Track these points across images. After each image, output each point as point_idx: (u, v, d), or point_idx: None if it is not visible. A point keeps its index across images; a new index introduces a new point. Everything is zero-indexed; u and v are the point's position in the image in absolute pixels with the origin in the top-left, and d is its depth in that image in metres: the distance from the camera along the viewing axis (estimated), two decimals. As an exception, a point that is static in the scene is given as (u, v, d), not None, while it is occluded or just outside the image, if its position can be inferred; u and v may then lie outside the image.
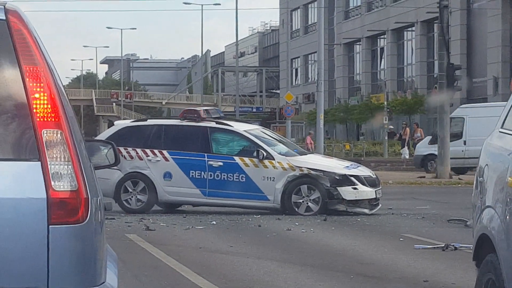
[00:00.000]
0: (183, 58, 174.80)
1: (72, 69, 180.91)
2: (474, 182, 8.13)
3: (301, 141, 60.30)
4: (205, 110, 25.97)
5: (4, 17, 4.58)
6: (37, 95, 4.48)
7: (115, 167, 18.55)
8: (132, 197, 23.64)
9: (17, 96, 4.47)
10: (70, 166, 4.44)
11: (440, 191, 33.15)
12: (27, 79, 4.47)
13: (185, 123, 24.48)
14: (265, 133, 25.24)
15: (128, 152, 23.25)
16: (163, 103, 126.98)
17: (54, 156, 4.43)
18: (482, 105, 51.78)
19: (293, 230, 19.45)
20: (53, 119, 4.47)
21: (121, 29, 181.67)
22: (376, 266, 14.56)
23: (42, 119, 4.45)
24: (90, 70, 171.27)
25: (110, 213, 21.12)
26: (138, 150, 23.64)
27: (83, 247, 4.49)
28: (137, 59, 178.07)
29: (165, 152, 23.70)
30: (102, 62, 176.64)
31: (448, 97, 41.82)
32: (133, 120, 29.81)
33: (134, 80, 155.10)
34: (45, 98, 4.49)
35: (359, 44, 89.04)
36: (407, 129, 56.75)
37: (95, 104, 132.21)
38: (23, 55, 4.51)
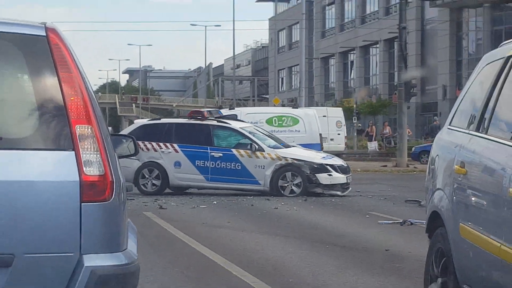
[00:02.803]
0: (190, 69, 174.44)
1: (99, 78, 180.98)
2: (427, 170, 8.14)
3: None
4: (208, 111, 26.08)
5: (44, 34, 4.59)
6: (71, 98, 4.49)
7: (134, 157, 18.59)
8: (148, 182, 23.64)
9: (55, 98, 4.48)
10: (98, 155, 4.46)
11: (399, 177, 33.17)
12: (63, 84, 4.48)
13: (192, 121, 24.53)
14: (257, 130, 25.30)
15: (145, 145, 23.25)
16: (174, 105, 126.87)
17: (85, 147, 4.45)
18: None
19: (279, 209, 19.46)
20: (84, 117, 4.48)
21: (140, 45, 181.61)
22: (347, 237, 14.56)
23: (75, 117, 4.46)
24: (114, 78, 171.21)
25: (130, 194, 21.09)
26: (153, 144, 23.66)
27: (109, 221, 4.51)
28: (153, 70, 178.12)
29: (175, 145, 23.73)
30: (124, 72, 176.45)
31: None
32: (149, 119, 29.81)
33: (150, 87, 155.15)
34: (78, 99, 4.50)
35: (334, 58, 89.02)
36: (374, 127, 56.84)
37: (118, 106, 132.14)
38: (60, 64, 4.52)
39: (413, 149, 43.47)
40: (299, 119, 31.84)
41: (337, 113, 46.57)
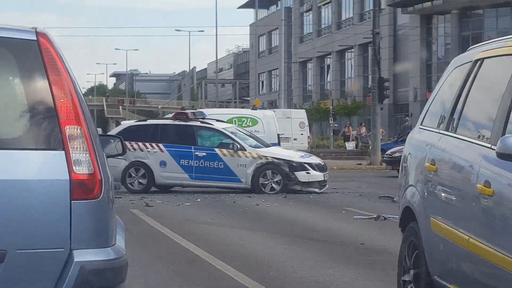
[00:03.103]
0: (174, 72, 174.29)
1: (87, 81, 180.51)
2: (400, 167, 8.17)
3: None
4: (192, 112, 26.03)
5: (35, 38, 4.57)
6: (61, 99, 4.47)
7: (121, 157, 18.61)
8: (135, 180, 23.57)
9: (46, 100, 4.46)
10: (87, 155, 4.44)
11: (373, 175, 33.22)
12: (53, 86, 4.46)
13: (176, 122, 24.51)
14: (238, 130, 25.31)
15: (132, 145, 23.20)
16: (159, 107, 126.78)
17: (75, 146, 4.42)
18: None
19: (260, 205, 19.46)
20: (73, 118, 4.46)
21: (126, 50, 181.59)
22: (324, 232, 14.58)
23: (65, 118, 4.44)
24: (101, 82, 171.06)
25: (118, 193, 21.06)
26: (140, 144, 23.61)
27: (98, 217, 4.49)
28: (139, 73, 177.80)
29: (161, 145, 23.69)
30: (111, 76, 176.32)
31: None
32: (136, 120, 29.76)
33: (137, 89, 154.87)
34: (68, 101, 4.48)
35: (311, 62, 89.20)
36: (350, 127, 57.07)
37: (105, 108, 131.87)
38: (50, 68, 4.50)
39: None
40: (258, 120, 31.99)
41: (301, 114, 46.90)
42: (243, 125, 30.99)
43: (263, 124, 31.55)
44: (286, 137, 38.05)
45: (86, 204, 4.44)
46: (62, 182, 4.40)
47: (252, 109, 37.93)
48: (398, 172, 28.87)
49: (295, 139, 41.31)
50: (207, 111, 31.69)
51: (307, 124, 45.75)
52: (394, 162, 31.68)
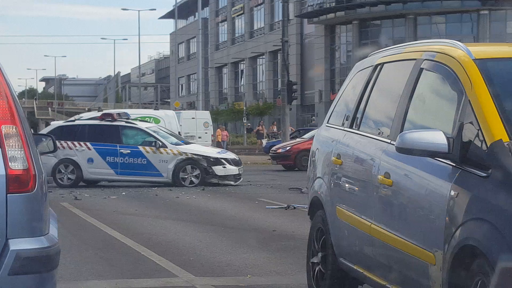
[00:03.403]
0: (100, 77, 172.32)
1: (18, 86, 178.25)
2: (309, 161, 8.23)
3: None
4: (118, 113, 25.80)
5: None
6: None
7: (51, 155, 18.51)
8: (64, 176, 23.30)
9: None
10: (22, 152, 4.38)
11: (283, 169, 33.31)
12: None
13: (103, 122, 24.31)
14: (160, 129, 25.24)
15: (61, 144, 22.86)
16: (86, 109, 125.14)
17: (11, 144, 4.35)
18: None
19: (181, 197, 19.42)
20: (9, 118, 4.38)
21: (55, 56, 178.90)
22: (239, 220, 14.64)
23: (1, 118, 4.37)
24: (32, 86, 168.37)
25: (48, 187, 20.80)
26: (69, 142, 23.35)
27: (32, 209, 4.43)
28: (67, 78, 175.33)
29: (88, 143, 23.48)
30: (40, 80, 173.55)
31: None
32: (64, 121, 29.35)
33: (65, 93, 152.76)
34: (3, 102, 4.40)
35: (226, 67, 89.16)
36: (263, 126, 57.22)
37: (35, 110, 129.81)
38: None
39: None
40: (160, 119, 31.99)
41: (205, 115, 47.10)
42: None
43: (165, 123, 31.47)
44: (192, 136, 38.32)
45: (21, 197, 4.37)
46: None
47: (154, 109, 38.25)
48: (282, 166, 29.10)
49: (199, 137, 41.42)
50: (111, 112, 31.60)
51: (211, 123, 45.81)
52: (278, 157, 32.84)
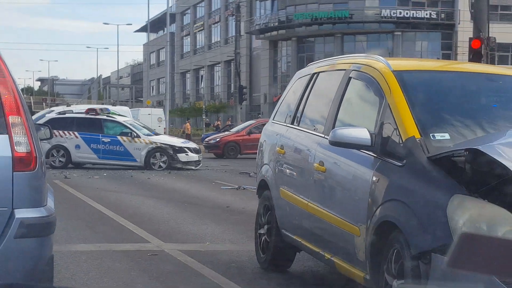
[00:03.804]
0: (85, 78, 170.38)
1: (18, 84, 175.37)
2: (258, 151, 8.21)
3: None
4: (100, 108, 25.58)
5: None
6: (6, 96, 4.35)
7: (46, 141, 18.28)
8: (56, 159, 22.95)
9: None
10: (25, 138, 4.34)
11: (234, 157, 33.22)
12: (2, 92, 4.36)
13: (88, 116, 24.05)
14: (136, 123, 25.05)
15: (54, 132, 22.60)
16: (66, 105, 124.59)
17: (16, 131, 4.32)
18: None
19: (151, 179, 19.25)
20: (15, 110, 4.35)
21: (49, 61, 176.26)
22: (199, 198, 14.54)
23: (8, 110, 4.32)
24: (29, 85, 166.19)
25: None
26: (60, 131, 23.05)
27: (33, 185, 4.43)
28: (58, 79, 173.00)
29: (76, 133, 23.20)
30: (36, 80, 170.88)
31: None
32: (57, 113, 28.84)
33: (56, 91, 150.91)
34: (10, 97, 4.36)
35: (189, 73, 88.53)
36: (220, 121, 56.96)
37: (32, 104, 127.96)
38: None
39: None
40: (116, 113, 31.53)
41: (159, 112, 46.87)
42: None
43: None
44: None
45: (24, 175, 4.34)
46: (7, 158, 4.30)
47: (112, 105, 38.22)
48: (214, 154, 28.61)
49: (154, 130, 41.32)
50: (79, 107, 31.14)
51: (164, 119, 45.36)
52: (209, 147, 32.11)
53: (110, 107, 34.21)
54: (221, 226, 10.41)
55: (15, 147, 4.31)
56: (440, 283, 4.24)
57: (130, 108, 40.25)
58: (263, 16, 61.37)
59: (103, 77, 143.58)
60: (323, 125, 6.35)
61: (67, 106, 32.89)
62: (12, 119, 4.33)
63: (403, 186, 4.82)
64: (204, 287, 6.62)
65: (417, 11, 53.32)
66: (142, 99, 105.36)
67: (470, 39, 16.63)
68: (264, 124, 27.01)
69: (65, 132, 23.33)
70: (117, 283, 6.59)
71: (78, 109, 29.09)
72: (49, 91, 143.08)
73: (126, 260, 7.78)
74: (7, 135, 4.31)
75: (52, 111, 28.23)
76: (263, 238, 7.31)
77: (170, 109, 62.30)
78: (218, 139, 32.38)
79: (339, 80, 6.33)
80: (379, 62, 5.89)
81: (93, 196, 14.39)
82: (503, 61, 49.17)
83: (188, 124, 49.29)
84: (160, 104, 79.76)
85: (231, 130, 34.52)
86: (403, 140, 4.97)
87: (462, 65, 7.96)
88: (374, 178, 5.11)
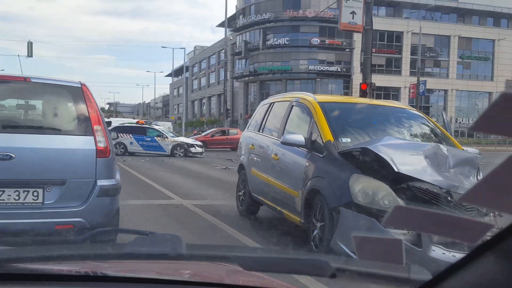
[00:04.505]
0: (135, 103, 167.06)
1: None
2: (238, 148, 8.14)
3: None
4: (144, 121, 25.28)
5: (80, 86, 4.31)
6: (92, 113, 4.23)
7: (115, 140, 18.24)
8: (118, 150, 22.24)
9: (85, 113, 4.22)
10: (103, 138, 4.21)
11: (227, 151, 32.97)
12: (88, 108, 4.23)
13: (137, 125, 23.75)
14: (165, 130, 24.75)
15: (118, 134, 22.30)
16: (132, 119, 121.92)
17: (98, 134, 4.19)
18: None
19: (174, 162, 18.95)
20: (97, 121, 4.22)
21: (114, 93, 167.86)
22: (202, 173, 14.24)
23: (94, 122, 4.21)
24: (102, 107, 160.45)
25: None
26: (121, 134, 22.70)
27: (108, 165, 4.26)
28: (119, 103, 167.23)
29: (130, 135, 22.86)
30: (106, 104, 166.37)
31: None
32: (120, 123, 28.18)
33: (118, 110, 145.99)
34: (95, 114, 4.24)
35: (196, 101, 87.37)
36: (196, 131, 56.36)
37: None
38: (86, 99, 4.25)
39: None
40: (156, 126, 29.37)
41: (168, 124, 39.96)
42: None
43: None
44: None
45: (103, 160, 4.21)
46: (92, 150, 4.18)
47: (158, 121, 36.75)
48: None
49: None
50: (116, 119, 29.67)
51: (172, 129, 40.51)
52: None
53: (157, 122, 33.31)
54: (216, 190, 10.31)
55: (98, 144, 4.20)
56: (343, 224, 4.27)
57: (155, 121, 38.52)
58: (240, 68, 61.13)
59: (146, 102, 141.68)
60: (276, 132, 6.34)
61: (107, 119, 31.36)
62: (95, 127, 4.22)
63: (323, 168, 4.82)
64: (205, 224, 6.55)
65: (329, 67, 53.73)
66: (168, 115, 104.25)
67: (360, 83, 16.73)
68: (220, 131, 26.25)
69: (124, 134, 22.96)
70: (156, 225, 6.50)
71: (114, 120, 28.31)
72: (114, 110, 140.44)
73: (160, 210, 7.66)
74: (93, 137, 4.21)
75: (110, 121, 27.46)
76: (240, 198, 7.26)
77: (185, 122, 61.76)
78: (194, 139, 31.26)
79: (286, 106, 6.33)
80: (309, 96, 5.90)
81: (140, 172, 14.18)
82: (379, 97, 49.63)
83: (195, 131, 48.76)
84: (179, 119, 78.82)
85: (201, 134, 32.66)
86: (323, 142, 4.98)
87: (356, 99, 8.02)
88: (307, 164, 5.11)
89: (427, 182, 4.01)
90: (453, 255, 3.68)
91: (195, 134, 36.91)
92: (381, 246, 0.64)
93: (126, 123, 25.60)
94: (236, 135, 30.02)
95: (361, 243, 0.65)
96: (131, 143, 22.84)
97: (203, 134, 32.56)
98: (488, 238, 0.59)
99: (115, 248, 0.84)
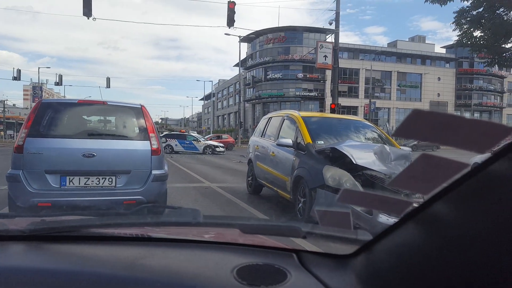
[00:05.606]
0: (179, 118, 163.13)
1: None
2: (247, 148, 7.99)
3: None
4: (185, 130, 25.20)
5: (140, 106, 4.30)
6: (149, 126, 4.20)
7: (164, 143, 18.03)
8: (166, 150, 22.08)
9: (144, 126, 4.19)
10: (156, 141, 4.18)
11: (237, 150, 32.67)
12: (146, 122, 4.21)
13: (180, 133, 23.77)
14: (199, 136, 24.68)
15: (167, 139, 22.35)
16: (179, 130, 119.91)
17: (152, 140, 4.15)
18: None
19: (205, 158, 18.77)
20: (153, 131, 4.18)
21: (165, 111, 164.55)
22: (224, 165, 13.86)
23: (150, 131, 4.17)
24: (156, 121, 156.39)
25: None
26: (168, 139, 22.61)
27: (159, 160, 4.20)
28: (168, 118, 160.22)
29: (175, 140, 22.79)
30: (160, 118, 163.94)
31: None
32: (167, 132, 27.76)
33: (168, 123, 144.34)
34: (151, 127, 4.21)
35: (220, 116, 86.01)
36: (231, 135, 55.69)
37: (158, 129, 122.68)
38: (145, 116, 4.24)
39: None
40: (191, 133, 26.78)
41: (196, 134, 31.98)
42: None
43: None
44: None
45: (156, 157, 4.15)
46: (148, 150, 4.13)
47: (196, 132, 35.40)
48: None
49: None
50: (183, 130, 28.32)
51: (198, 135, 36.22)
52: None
53: (194, 131, 32.89)
54: (233, 176, 10.17)
55: (152, 146, 4.15)
56: (318, 199, 4.23)
57: (192, 130, 37.43)
58: (249, 94, 60.97)
59: (186, 117, 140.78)
60: (273, 137, 6.28)
61: (161, 134, 29.67)
62: (151, 135, 4.18)
63: (305, 161, 4.77)
64: (225, 200, 6.46)
65: (310, 93, 53.67)
66: (201, 127, 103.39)
67: (330, 104, 16.60)
68: (216, 136, 25.27)
69: (171, 139, 22.98)
70: (193, 203, 6.42)
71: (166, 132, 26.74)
72: (164, 123, 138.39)
73: (194, 191, 7.55)
74: (149, 141, 4.16)
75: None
76: (249, 182, 7.17)
77: (212, 130, 61.52)
78: None
79: (280, 120, 6.28)
80: (295, 113, 5.86)
81: (182, 164, 14.08)
82: (343, 113, 49.20)
83: (183, 130, 45.79)
84: (209, 128, 78.34)
85: (206, 137, 29.48)
86: (305, 144, 4.95)
87: (327, 114, 7.94)
88: (294, 159, 5.07)
89: (376, 171, 4.01)
90: (394, 221, 3.63)
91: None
92: (337, 216, 0.64)
93: (173, 132, 25.52)
94: (227, 139, 29.84)
95: (323, 214, 0.66)
96: (176, 145, 22.75)
97: (206, 137, 30.67)
98: (411, 209, 0.60)
99: (154, 218, 0.85)
